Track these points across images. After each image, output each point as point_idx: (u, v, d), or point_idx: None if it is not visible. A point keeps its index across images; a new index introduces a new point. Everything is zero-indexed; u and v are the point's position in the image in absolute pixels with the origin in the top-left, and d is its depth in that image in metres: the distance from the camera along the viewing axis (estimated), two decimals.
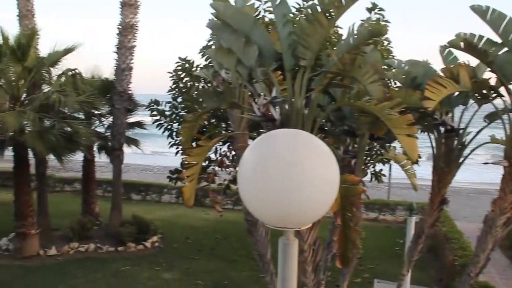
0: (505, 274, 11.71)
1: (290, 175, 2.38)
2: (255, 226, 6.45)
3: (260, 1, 9.37)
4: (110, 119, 14.44)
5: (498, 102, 5.69)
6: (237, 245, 13.56)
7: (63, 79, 12.81)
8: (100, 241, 13.20)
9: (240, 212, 8.45)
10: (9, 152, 11.99)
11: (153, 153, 33.72)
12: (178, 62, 11.18)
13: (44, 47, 13.06)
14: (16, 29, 12.00)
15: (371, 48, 5.86)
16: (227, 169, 8.32)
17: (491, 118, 5.91)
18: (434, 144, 6.11)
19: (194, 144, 5.99)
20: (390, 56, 9.24)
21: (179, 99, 11.33)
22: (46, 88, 12.59)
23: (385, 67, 7.87)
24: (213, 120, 10.40)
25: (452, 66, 5.40)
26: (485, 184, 24.03)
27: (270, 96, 4.85)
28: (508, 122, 5.48)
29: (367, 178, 10.46)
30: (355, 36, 4.71)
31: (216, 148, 10.45)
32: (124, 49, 13.73)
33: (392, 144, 8.40)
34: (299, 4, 9.22)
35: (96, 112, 13.91)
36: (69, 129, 11.97)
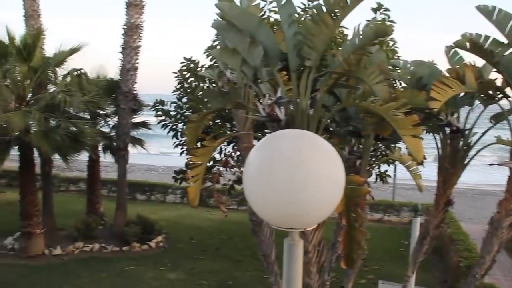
0: (510, 276, 11.66)
1: (296, 175, 2.37)
2: (260, 226, 6.45)
3: (265, 1, 9.39)
4: (115, 119, 14.48)
5: (504, 103, 5.67)
6: (241, 245, 13.56)
7: (68, 79, 12.86)
8: (105, 241, 13.23)
9: (244, 213, 8.45)
10: (14, 152, 12.03)
11: (158, 153, 33.75)
12: (183, 62, 11.20)
13: (47, 47, 12.99)
14: (17, 29, 12.01)
15: (377, 48, 5.85)
16: (232, 169, 8.34)
17: (497, 119, 5.88)
18: (439, 145, 6.09)
19: (199, 144, 6.00)
20: (396, 57, 9.22)
21: (184, 99, 11.35)
22: (51, 88, 12.65)
23: (391, 67, 7.86)
24: (218, 121, 10.42)
25: (458, 66, 5.38)
26: (490, 186, 23.93)
27: (275, 97, 4.85)
28: None
29: (372, 178, 10.45)
30: (361, 36, 4.70)
31: (221, 148, 10.47)
32: (129, 49, 13.76)
33: (397, 145, 8.40)
34: (304, 4, 9.24)
35: (101, 112, 13.95)
36: (74, 129, 12.01)
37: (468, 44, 5.25)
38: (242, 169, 7.36)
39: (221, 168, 8.23)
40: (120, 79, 13.95)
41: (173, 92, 11.45)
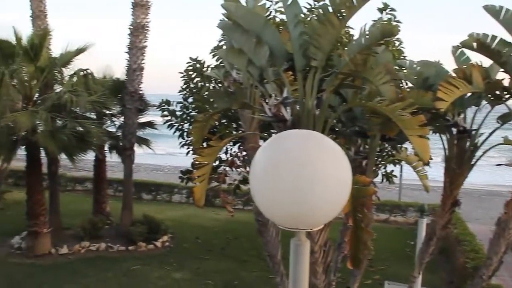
0: None
1: (302, 175, 2.37)
2: (266, 226, 6.45)
3: (271, 1, 9.38)
4: (121, 119, 14.52)
5: (511, 103, 5.63)
6: (247, 245, 13.56)
7: (75, 79, 12.93)
8: (111, 240, 13.27)
9: (250, 212, 8.45)
10: (21, 152, 12.11)
11: (164, 153, 33.79)
12: (189, 62, 11.22)
13: (52, 47, 13.06)
14: (20, 29, 12.06)
15: (383, 48, 5.84)
16: (238, 169, 8.34)
17: (504, 119, 5.85)
18: (446, 146, 6.07)
19: (205, 144, 6.01)
20: (402, 57, 9.19)
21: (190, 99, 11.36)
22: (58, 88, 12.73)
23: (397, 67, 7.83)
24: (224, 121, 10.42)
25: (465, 66, 5.36)
26: (497, 186, 23.78)
27: (281, 97, 4.85)
28: None
29: (378, 179, 10.41)
30: (367, 37, 4.69)
31: (226, 148, 10.47)
32: (135, 49, 13.79)
33: (404, 145, 8.37)
34: (310, 5, 9.21)
35: (107, 112, 14.00)
36: (80, 128, 12.07)
37: (475, 44, 5.23)
38: (248, 169, 7.38)
39: (227, 168, 8.23)
40: (126, 79, 13.99)
41: (179, 92, 11.47)
